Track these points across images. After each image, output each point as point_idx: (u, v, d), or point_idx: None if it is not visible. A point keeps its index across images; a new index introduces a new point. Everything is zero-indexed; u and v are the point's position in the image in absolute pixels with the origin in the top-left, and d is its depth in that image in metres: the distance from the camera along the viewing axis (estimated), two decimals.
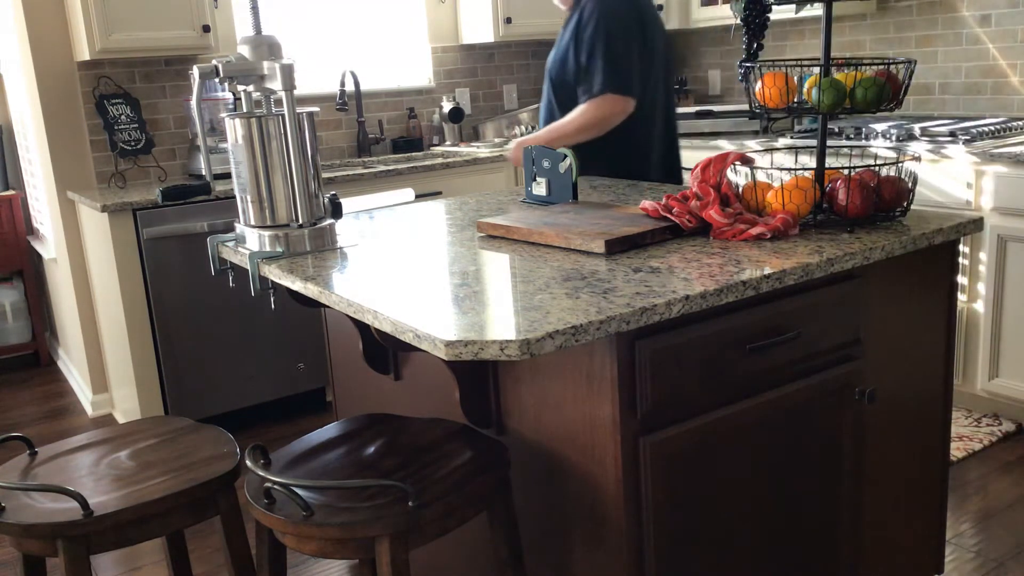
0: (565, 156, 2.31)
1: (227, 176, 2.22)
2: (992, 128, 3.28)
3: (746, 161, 1.92)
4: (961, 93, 3.79)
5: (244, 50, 1.94)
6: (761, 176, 1.91)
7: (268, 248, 1.95)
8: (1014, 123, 3.37)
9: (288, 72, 1.88)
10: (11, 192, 4.64)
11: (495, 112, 4.76)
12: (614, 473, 1.48)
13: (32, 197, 4.51)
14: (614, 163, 2.83)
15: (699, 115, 4.34)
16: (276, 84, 1.89)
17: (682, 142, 4.18)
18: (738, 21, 1.94)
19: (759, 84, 1.88)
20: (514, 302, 1.49)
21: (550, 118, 2.90)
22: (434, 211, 2.42)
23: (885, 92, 1.81)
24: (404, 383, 2.08)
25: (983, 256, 3.12)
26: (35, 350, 4.75)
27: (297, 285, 1.77)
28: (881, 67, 1.84)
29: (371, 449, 1.67)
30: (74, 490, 1.55)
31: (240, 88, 1.99)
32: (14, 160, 4.70)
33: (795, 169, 1.89)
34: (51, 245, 4.15)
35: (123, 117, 3.72)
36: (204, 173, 2.02)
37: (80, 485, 1.64)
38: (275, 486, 1.47)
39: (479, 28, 4.45)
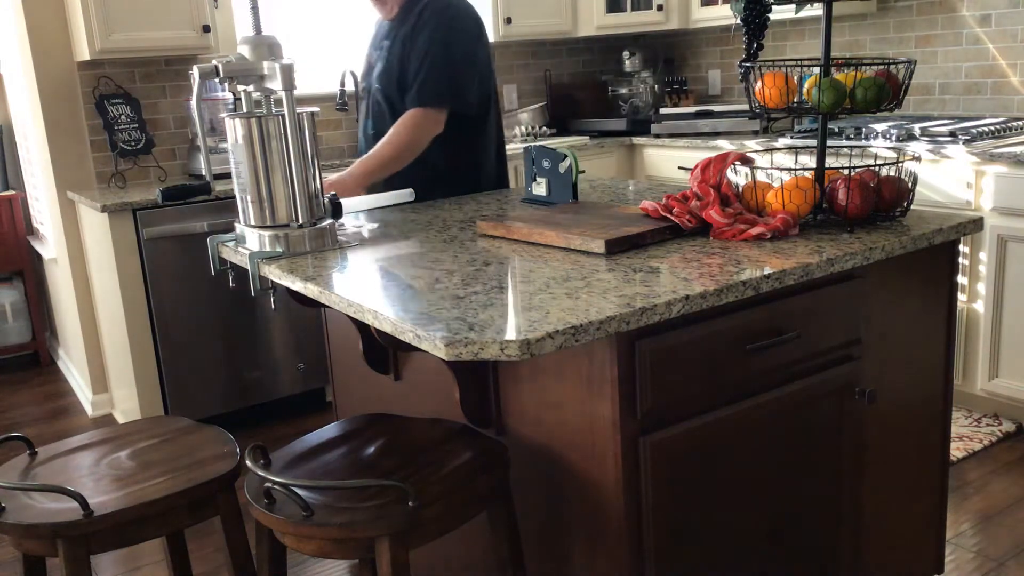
0: (565, 156, 2.31)
1: (227, 176, 2.22)
2: (992, 128, 3.28)
3: (746, 161, 1.92)
4: (961, 93, 3.79)
5: (244, 50, 1.94)
6: (761, 176, 1.91)
7: (268, 248, 1.94)
8: (1014, 123, 3.36)
9: (288, 72, 1.88)
10: (11, 192, 4.65)
11: None
12: (614, 473, 1.48)
13: (32, 197, 4.51)
14: (458, 179, 2.70)
15: (699, 115, 4.34)
16: (276, 84, 1.89)
17: (682, 142, 4.22)
18: (738, 21, 1.94)
19: (759, 84, 1.88)
20: (514, 302, 1.49)
21: (381, 130, 2.65)
22: (434, 211, 2.42)
23: (885, 92, 1.81)
24: (404, 383, 2.08)
25: (983, 256, 3.12)
26: (35, 350, 4.75)
27: (297, 285, 1.77)
28: (881, 67, 1.85)
29: (371, 449, 1.67)
30: (74, 490, 1.55)
31: (240, 88, 1.99)
32: (14, 160, 4.70)
33: (795, 169, 1.89)
34: (51, 245, 4.15)
35: (123, 117, 3.72)
36: (204, 173, 2.02)
37: (80, 485, 1.64)
38: (275, 486, 1.47)
39: None
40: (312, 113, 1.98)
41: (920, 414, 1.98)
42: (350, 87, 4.21)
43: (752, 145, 3.87)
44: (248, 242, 2.00)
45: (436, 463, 1.59)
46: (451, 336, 1.33)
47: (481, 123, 2.70)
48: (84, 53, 3.50)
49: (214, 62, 1.90)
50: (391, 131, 2.57)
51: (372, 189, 2.52)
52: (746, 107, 3.31)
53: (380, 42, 2.71)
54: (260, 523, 1.55)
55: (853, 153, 3.17)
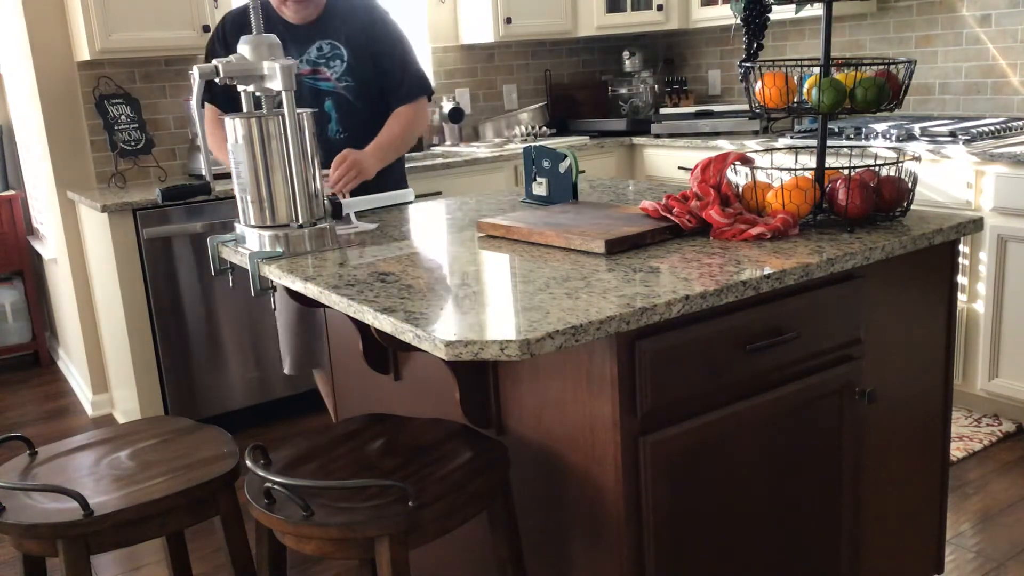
0: (565, 156, 2.31)
1: (227, 176, 2.22)
2: (992, 128, 3.28)
3: (746, 161, 1.92)
4: (961, 93, 3.79)
5: (244, 50, 1.94)
6: (761, 176, 1.91)
7: (268, 248, 1.94)
8: (1014, 123, 3.36)
9: (288, 72, 1.88)
10: (11, 192, 4.65)
11: (495, 112, 4.76)
12: (614, 473, 1.48)
13: (32, 197, 4.51)
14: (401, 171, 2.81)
15: (699, 115, 4.34)
16: (276, 84, 1.89)
17: (682, 142, 4.23)
18: (738, 21, 1.94)
19: (759, 84, 1.88)
20: (514, 302, 1.49)
21: (351, 128, 2.62)
22: (434, 211, 2.42)
23: (885, 92, 1.81)
24: (404, 383, 2.08)
25: (983, 256, 3.12)
26: (35, 350, 4.75)
27: (297, 285, 1.77)
28: (881, 67, 1.85)
29: (371, 449, 1.67)
30: (74, 490, 1.55)
31: (240, 88, 1.99)
32: (14, 160, 4.70)
33: (795, 169, 1.89)
34: (51, 245, 4.15)
35: (123, 117, 3.72)
36: (204, 173, 2.02)
37: (80, 485, 1.64)
38: (275, 486, 1.47)
39: (479, 28, 4.45)
40: (312, 113, 1.98)
41: (920, 414, 1.98)
42: None
43: (752, 145, 3.86)
44: (248, 242, 2.00)
45: (436, 463, 1.59)
46: (451, 336, 1.33)
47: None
48: (84, 53, 3.50)
49: (214, 62, 1.91)
50: (397, 122, 2.59)
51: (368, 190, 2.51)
52: (746, 107, 3.31)
53: (311, 44, 2.58)
54: (260, 523, 1.55)
55: (853, 153, 3.17)
